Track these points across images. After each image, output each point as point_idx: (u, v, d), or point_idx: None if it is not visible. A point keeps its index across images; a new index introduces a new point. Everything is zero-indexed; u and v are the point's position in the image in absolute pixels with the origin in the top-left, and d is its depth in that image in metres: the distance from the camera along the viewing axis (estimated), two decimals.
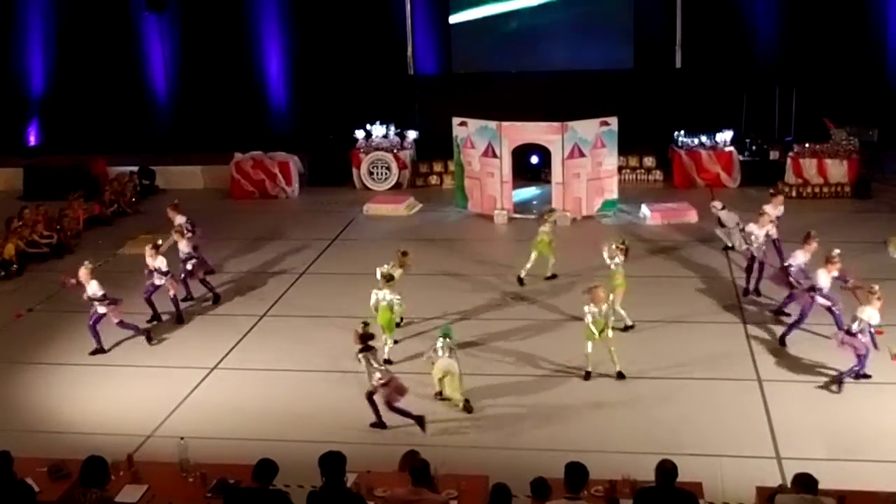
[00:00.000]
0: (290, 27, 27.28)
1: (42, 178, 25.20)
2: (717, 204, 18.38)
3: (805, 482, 8.53)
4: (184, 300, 16.82)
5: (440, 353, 13.00)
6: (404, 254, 15.44)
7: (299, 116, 27.43)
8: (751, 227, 16.36)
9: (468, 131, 21.93)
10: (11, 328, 14.43)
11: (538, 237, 17.35)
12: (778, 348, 14.37)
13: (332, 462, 8.53)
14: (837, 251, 14.21)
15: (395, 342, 14.67)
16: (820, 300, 14.13)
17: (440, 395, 13.09)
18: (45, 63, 28.32)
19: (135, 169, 25.49)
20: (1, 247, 19.26)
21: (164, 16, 26.92)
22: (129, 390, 13.90)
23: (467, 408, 12.81)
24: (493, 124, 21.51)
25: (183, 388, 13.77)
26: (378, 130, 25.11)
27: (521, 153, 22.22)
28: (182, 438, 10.29)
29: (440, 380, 13.02)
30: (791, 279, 14.93)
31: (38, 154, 27.84)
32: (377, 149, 24.85)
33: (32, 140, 28.69)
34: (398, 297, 14.32)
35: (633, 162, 24.17)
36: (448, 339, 13.13)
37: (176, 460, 10.12)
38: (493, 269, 18.21)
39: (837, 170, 22.57)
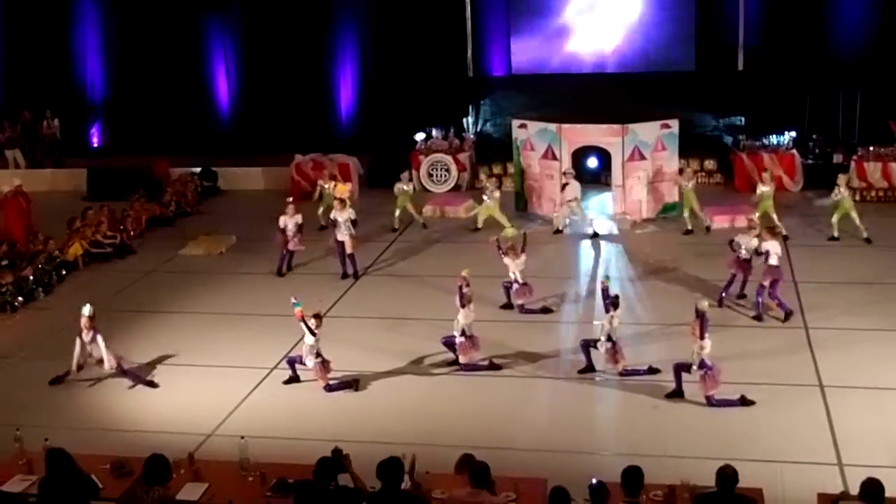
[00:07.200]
0: (352, 30, 27.42)
1: (105, 179, 25.54)
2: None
3: (871, 489, 8.37)
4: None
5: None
6: None
7: (360, 118, 27.56)
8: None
9: (528, 133, 21.88)
10: (73, 328, 14.56)
11: None
12: (840, 353, 14.16)
13: (390, 468, 8.50)
14: None
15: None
16: None
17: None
18: (108, 66, 28.77)
19: (196, 170, 25.81)
20: (66, 247, 19.58)
21: (226, 17, 27.20)
22: (190, 389, 14.03)
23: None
24: (552, 126, 21.38)
25: (243, 388, 13.88)
26: (438, 132, 25.18)
27: (579, 155, 22.10)
28: (242, 437, 10.36)
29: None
30: None
31: (101, 155, 28.33)
32: (436, 151, 24.92)
33: (96, 142, 29.17)
34: None
35: (695, 165, 23.82)
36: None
37: (236, 459, 10.19)
38: (547, 271, 18.05)
39: None
